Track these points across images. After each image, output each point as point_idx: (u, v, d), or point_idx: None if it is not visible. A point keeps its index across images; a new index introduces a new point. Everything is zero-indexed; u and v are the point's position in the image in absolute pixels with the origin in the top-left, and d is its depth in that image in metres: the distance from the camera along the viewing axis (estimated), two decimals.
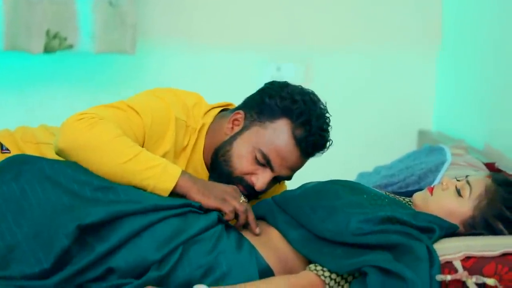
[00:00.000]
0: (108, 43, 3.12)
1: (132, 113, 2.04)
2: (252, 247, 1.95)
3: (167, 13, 3.31)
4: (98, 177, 1.92)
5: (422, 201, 2.04)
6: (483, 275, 1.82)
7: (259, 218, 2.05)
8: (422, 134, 3.48)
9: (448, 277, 1.80)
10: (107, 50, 3.14)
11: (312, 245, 1.93)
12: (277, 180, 2.11)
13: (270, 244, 1.98)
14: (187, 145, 2.14)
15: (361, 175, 2.98)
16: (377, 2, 3.50)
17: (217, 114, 2.19)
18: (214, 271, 1.88)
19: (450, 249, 1.86)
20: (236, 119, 2.12)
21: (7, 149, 2.16)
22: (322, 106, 2.12)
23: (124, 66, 3.29)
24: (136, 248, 1.85)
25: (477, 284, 1.80)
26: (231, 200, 1.96)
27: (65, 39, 3.07)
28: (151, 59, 3.32)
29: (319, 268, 1.88)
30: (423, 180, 2.49)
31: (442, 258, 1.84)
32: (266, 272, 1.92)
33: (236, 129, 2.11)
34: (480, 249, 1.85)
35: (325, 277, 1.87)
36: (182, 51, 3.35)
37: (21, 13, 2.99)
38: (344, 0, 3.48)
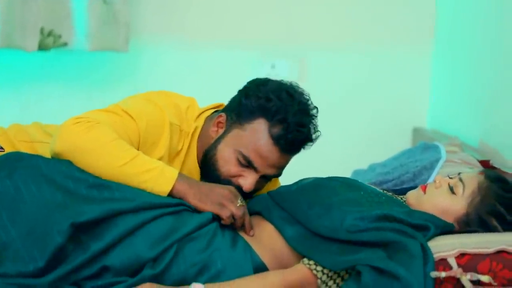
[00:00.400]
0: (102, 41, 3.12)
1: (127, 118, 2.04)
2: (246, 245, 1.95)
3: (160, 11, 3.31)
4: (93, 174, 1.92)
5: (415, 199, 2.04)
6: (478, 272, 1.82)
7: (255, 213, 2.06)
8: (416, 132, 3.48)
9: (443, 274, 1.80)
10: (101, 48, 3.14)
11: (307, 242, 1.94)
12: (266, 178, 2.11)
13: (265, 240, 1.98)
14: (181, 149, 2.15)
15: (356, 172, 2.98)
16: (372, 0, 3.50)
17: (208, 117, 2.19)
18: (209, 269, 1.88)
19: (444, 246, 1.86)
20: (219, 122, 2.13)
21: (1, 148, 2.15)
22: (302, 100, 2.09)
23: (118, 64, 3.29)
24: (131, 247, 1.85)
25: (471, 281, 1.80)
26: (228, 205, 1.96)
27: (60, 36, 3.07)
28: (144, 57, 3.32)
29: (312, 262, 1.88)
30: (418, 178, 2.49)
31: (437, 255, 1.84)
32: (261, 270, 1.93)
33: (220, 131, 2.11)
34: (474, 246, 1.85)
35: (317, 271, 1.87)
36: (176, 49, 3.35)
37: (16, 11, 2.98)
38: None
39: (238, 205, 1.97)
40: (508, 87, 2.75)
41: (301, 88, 2.13)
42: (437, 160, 2.55)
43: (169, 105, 2.14)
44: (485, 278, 1.80)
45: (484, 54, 3.00)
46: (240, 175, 2.07)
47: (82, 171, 1.91)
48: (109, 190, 1.89)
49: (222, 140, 2.09)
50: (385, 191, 2.15)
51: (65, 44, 3.09)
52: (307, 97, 2.12)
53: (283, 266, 1.96)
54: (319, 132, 2.13)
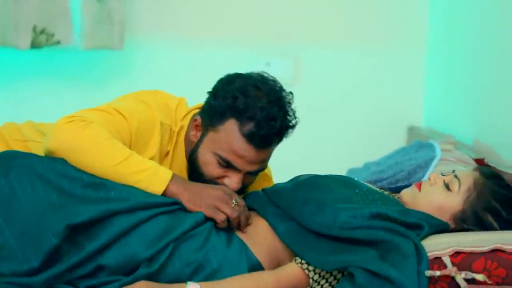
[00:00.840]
0: (96, 39, 3.12)
1: (119, 117, 2.04)
2: (242, 243, 1.95)
3: (155, 8, 3.31)
4: (88, 172, 1.92)
5: (411, 198, 2.04)
6: (472, 271, 1.82)
7: (250, 209, 2.05)
8: (411, 130, 3.48)
9: (437, 273, 1.80)
10: (96, 46, 3.13)
11: (299, 239, 1.94)
12: (252, 173, 2.09)
13: (260, 238, 1.98)
14: (170, 149, 2.15)
15: (351, 171, 2.98)
16: None
17: (194, 115, 2.17)
18: (204, 268, 1.88)
19: (439, 245, 1.86)
20: (196, 125, 2.12)
21: None
22: (271, 91, 2.05)
23: (112, 62, 3.28)
24: (126, 246, 1.84)
25: (466, 279, 1.80)
26: (223, 207, 1.95)
27: (53, 35, 3.06)
28: (139, 55, 3.31)
29: (304, 261, 1.89)
30: (413, 176, 2.49)
31: (431, 254, 1.84)
32: (256, 268, 1.93)
33: (198, 135, 2.10)
34: (469, 244, 1.85)
35: (309, 271, 1.88)
36: (170, 47, 3.35)
37: (8, 9, 2.98)
38: None
39: (232, 205, 1.97)
40: (503, 86, 2.75)
41: (271, 77, 2.09)
42: (432, 159, 2.55)
43: (159, 104, 2.14)
44: (479, 277, 1.80)
45: (478, 53, 2.99)
46: (224, 176, 2.06)
47: (77, 169, 1.91)
48: (105, 190, 1.89)
49: (201, 144, 2.08)
50: (382, 190, 2.15)
51: (59, 42, 3.08)
52: (278, 86, 2.07)
53: (279, 263, 1.97)
54: (295, 120, 2.07)
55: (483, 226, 1.96)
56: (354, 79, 3.51)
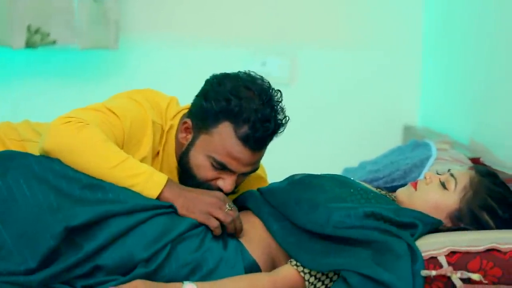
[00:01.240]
0: (92, 38, 3.12)
1: (113, 116, 2.04)
2: (238, 243, 1.96)
3: (150, 8, 3.31)
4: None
5: (407, 197, 2.04)
6: (468, 270, 1.82)
7: (245, 208, 2.06)
8: (407, 130, 3.48)
9: (433, 273, 1.80)
10: (91, 45, 3.13)
11: (292, 240, 1.94)
12: (244, 174, 2.09)
13: (256, 238, 1.99)
14: (160, 148, 2.14)
15: (347, 170, 2.98)
16: None
17: (184, 115, 2.16)
18: (201, 269, 1.88)
19: (434, 245, 1.86)
20: (186, 128, 2.11)
21: None
22: (262, 91, 2.04)
23: (107, 62, 3.28)
24: (124, 247, 1.84)
25: (462, 279, 1.80)
26: (216, 213, 1.94)
27: (48, 34, 3.06)
28: (134, 55, 3.31)
29: (299, 263, 1.89)
30: (409, 175, 2.49)
31: (427, 254, 1.84)
32: (252, 267, 1.93)
33: (189, 137, 2.09)
34: (465, 244, 1.85)
35: (305, 273, 1.87)
36: (166, 46, 3.35)
37: (2, 8, 2.97)
38: None
39: (226, 210, 1.96)
40: (498, 85, 2.75)
41: (258, 76, 2.08)
42: (427, 158, 2.56)
43: (151, 103, 2.13)
44: (475, 276, 1.80)
45: (474, 52, 3.00)
46: (217, 178, 2.06)
47: (75, 170, 1.90)
48: (102, 191, 1.88)
49: (192, 147, 2.07)
50: (378, 189, 2.15)
51: (54, 42, 3.08)
52: (266, 85, 2.07)
53: (275, 263, 1.97)
54: (286, 118, 2.07)
55: (479, 224, 1.96)
56: (350, 79, 3.51)
